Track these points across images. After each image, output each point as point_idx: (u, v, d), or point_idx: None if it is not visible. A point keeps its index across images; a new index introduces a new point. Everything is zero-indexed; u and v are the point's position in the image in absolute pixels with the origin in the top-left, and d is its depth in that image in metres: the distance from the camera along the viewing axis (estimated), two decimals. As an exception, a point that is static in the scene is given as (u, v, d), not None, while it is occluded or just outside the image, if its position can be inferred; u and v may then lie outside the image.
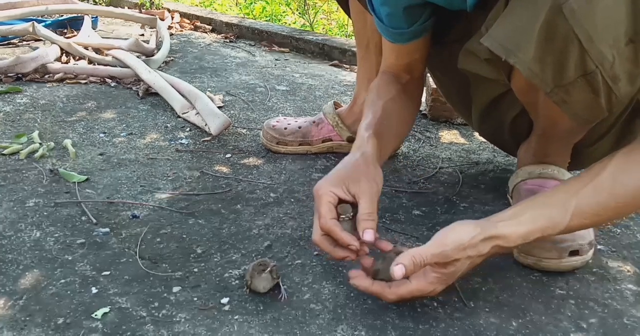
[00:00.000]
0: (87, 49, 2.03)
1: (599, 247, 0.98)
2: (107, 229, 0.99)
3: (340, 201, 0.83)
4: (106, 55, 2.00)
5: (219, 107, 1.57)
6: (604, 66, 0.70)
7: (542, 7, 0.68)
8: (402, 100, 1.02)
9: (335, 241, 0.81)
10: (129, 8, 3.00)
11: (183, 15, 2.82)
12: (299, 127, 1.32)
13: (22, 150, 1.28)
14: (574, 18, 0.66)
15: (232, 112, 1.60)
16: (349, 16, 1.27)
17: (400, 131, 1.05)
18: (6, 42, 2.19)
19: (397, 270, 0.73)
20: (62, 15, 2.45)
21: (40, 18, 2.37)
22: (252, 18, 2.95)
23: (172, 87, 1.64)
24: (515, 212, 0.77)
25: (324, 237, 0.82)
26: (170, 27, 2.61)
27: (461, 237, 0.74)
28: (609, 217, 0.79)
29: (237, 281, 0.86)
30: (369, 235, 0.79)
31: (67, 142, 1.32)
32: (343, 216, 0.81)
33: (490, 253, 0.76)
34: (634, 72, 0.72)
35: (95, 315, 0.78)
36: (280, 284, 0.84)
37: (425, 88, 1.75)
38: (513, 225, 0.76)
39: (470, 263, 0.76)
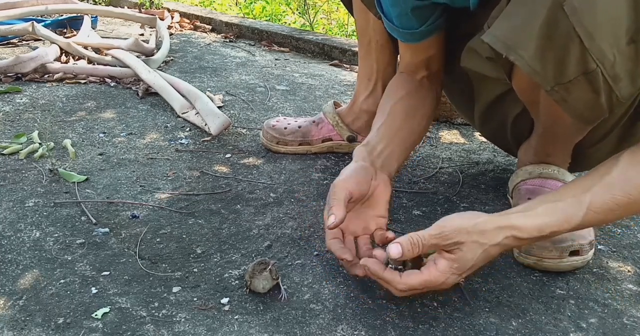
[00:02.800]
0: (87, 49, 2.03)
1: (599, 247, 0.98)
2: (106, 229, 0.99)
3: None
4: (106, 55, 2.00)
5: (219, 107, 1.57)
6: (605, 65, 0.69)
7: (543, 4, 0.68)
8: (414, 98, 1.03)
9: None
10: (128, 8, 3.00)
11: (183, 14, 2.82)
12: (299, 127, 1.32)
13: (21, 150, 1.28)
14: (575, 15, 0.66)
15: (232, 112, 1.60)
16: (352, 14, 1.27)
17: (414, 128, 1.04)
18: (6, 41, 2.19)
19: (394, 247, 0.73)
20: (61, 15, 2.45)
21: (39, 18, 2.37)
22: (252, 18, 2.95)
23: (172, 86, 1.64)
24: (529, 205, 0.77)
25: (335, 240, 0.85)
26: (170, 27, 2.61)
27: (462, 221, 0.75)
28: (622, 213, 0.77)
29: (237, 281, 0.86)
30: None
31: (67, 142, 1.32)
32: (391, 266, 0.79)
33: (506, 245, 0.75)
34: (636, 72, 0.71)
35: (95, 315, 0.78)
36: (280, 284, 0.84)
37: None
38: (528, 216, 0.75)
39: (484, 253, 0.74)
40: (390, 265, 0.77)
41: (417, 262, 0.77)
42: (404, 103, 1.02)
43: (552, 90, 0.74)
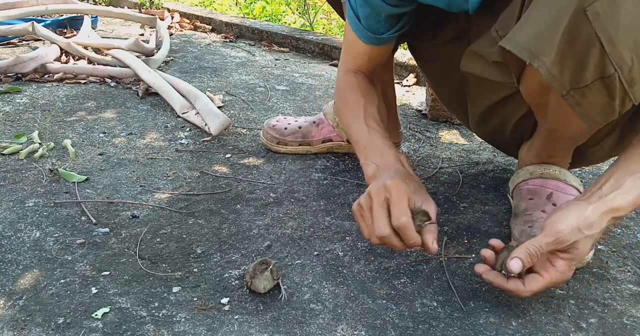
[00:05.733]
0: (87, 49, 2.03)
1: (599, 246, 0.98)
2: (106, 229, 0.99)
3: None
4: (106, 55, 2.00)
5: (219, 107, 1.57)
6: (623, 69, 0.69)
7: (566, 10, 0.67)
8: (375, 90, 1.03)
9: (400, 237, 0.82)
10: (128, 8, 3.00)
11: (183, 15, 2.82)
12: (299, 127, 1.32)
13: (21, 150, 1.28)
14: (597, 21, 0.66)
15: (232, 112, 1.60)
16: (343, 18, 1.27)
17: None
18: (6, 42, 2.19)
19: (514, 263, 0.74)
20: (61, 15, 2.45)
21: (40, 18, 2.38)
22: (252, 18, 2.95)
23: (172, 86, 1.64)
24: (616, 180, 0.77)
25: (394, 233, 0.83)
26: (170, 27, 2.61)
27: (572, 220, 0.75)
28: None
29: (237, 281, 0.86)
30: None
31: (67, 142, 1.32)
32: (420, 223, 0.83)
33: (607, 227, 0.77)
34: None
35: (95, 315, 0.78)
36: (280, 284, 0.84)
37: (425, 88, 1.75)
38: (620, 194, 0.76)
39: (593, 241, 0.77)
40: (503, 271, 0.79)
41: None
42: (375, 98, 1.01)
43: (567, 94, 0.74)
